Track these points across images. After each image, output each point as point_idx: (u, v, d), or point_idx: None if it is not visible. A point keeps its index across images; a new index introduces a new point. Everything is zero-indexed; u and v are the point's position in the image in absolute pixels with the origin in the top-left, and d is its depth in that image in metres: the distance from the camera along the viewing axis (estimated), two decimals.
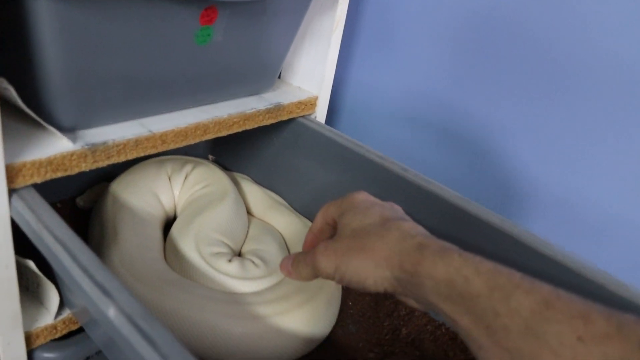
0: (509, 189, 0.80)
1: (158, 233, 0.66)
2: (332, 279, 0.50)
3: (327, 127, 0.76)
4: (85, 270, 0.42)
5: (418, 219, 0.64)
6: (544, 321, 0.35)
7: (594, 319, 0.34)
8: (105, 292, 0.40)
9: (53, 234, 0.45)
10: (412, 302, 0.51)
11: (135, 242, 0.61)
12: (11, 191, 0.49)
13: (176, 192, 0.72)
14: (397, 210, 0.53)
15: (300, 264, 0.53)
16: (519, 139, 0.77)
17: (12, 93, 0.47)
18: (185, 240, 0.62)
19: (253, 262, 0.63)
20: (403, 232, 0.47)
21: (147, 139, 0.58)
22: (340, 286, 0.66)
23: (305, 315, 0.58)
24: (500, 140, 0.79)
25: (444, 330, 0.67)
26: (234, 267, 0.61)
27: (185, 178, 0.73)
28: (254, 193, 0.79)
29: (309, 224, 0.75)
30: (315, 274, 0.51)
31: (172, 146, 0.60)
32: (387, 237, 0.47)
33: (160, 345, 0.36)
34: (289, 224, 0.75)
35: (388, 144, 0.92)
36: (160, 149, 0.59)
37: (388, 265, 0.45)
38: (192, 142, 0.62)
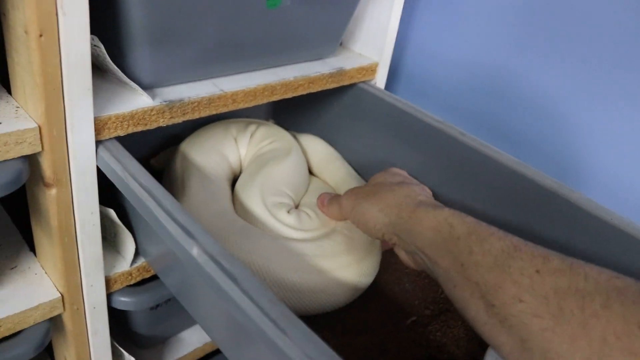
0: (568, 156, 0.80)
1: (225, 187, 0.70)
2: (349, 217, 0.60)
3: (387, 92, 0.78)
4: (169, 214, 0.45)
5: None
6: (510, 259, 0.41)
7: (551, 259, 0.40)
8: (189, 233, 0.43)
9: (138, 182, 0.48)
10: (403, 255, 0.56)
11: (202, 195, 0.65)
12: (97, 143, 0.52)
13: (242, 151, 0.75)
14: (424, 188, 0.62)
15: (333, 202, 0.64)
16: (582, 106, 0.77)
17: (102, 50, 0.50)
18: (251, 189, 0.66)
19: (307, 214, 0.66)
20: (412, 192, 0.56)
21: (219, 97, 0.60)
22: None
23: (362, 269, 0.62)
24: (562, 108, 0.79)
25: None
26: (291, 218, 0.64)
27: (251, 137, 0.76)
28: (314, 147, 0.82)
29: (363, 181, 0.78)
30: (340, 213, 0.62)
31: (241, 105, 0.63)
32: (397, 192, 0.56)
33: (240, 281, 0.39)
34: (344, 179, 0.78)
35: (446, 110, 0.93)
36: (231, 108, 0.62)
37: (388, 213, 0.54)
38: (260, 102, 0.65)
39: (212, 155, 0.71)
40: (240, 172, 0.76)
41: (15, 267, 0.61)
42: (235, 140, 0.75)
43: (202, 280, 0.42)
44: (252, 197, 0.65)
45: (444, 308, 0.66)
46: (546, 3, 0.77)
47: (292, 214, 0.65)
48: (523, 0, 0.79)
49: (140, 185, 0.48)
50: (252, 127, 0.77)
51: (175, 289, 0.57)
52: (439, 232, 0.47)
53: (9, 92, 0.52)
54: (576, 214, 0.55)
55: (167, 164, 0.74)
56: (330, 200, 0.65)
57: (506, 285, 0.40)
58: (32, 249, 0.63)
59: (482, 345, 0.61)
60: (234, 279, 0.40)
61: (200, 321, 0.54)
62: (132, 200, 0.49)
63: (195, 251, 0.42)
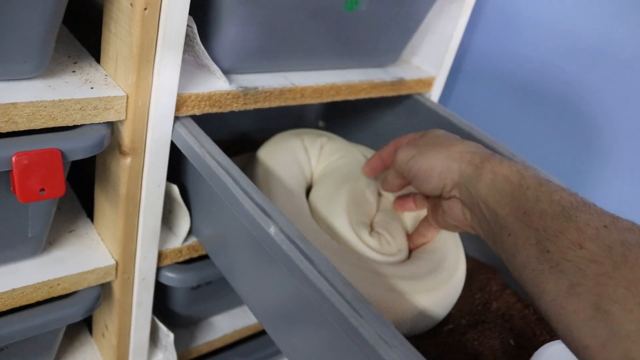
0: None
1: (304, 199, 0.70)
2: (402, 170, 0.57)
3: (442, 107, 0.79)
4: (247, 193, 0.47)
5: None
6: (578, 211, 0.41)
7: (621, 220, 0.40)
8: (266, 212, 0.45)
9: (215, 159, 0.50)
10: (456, 210, 0.54)
11: (289, 209, 0.65)
12: (175, 118, 0.54)
13: (313, 161, 0.76)
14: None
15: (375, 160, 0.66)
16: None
17: (194, 31, 0.52)
18: (337, 206, 0.65)
19: (386, 237, 0.65)
20: (479, 145, 0.54)
21: (290, 90, 0.62)
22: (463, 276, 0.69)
23: (441, 298, 0.61)
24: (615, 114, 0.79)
25: (531, 311, 0.69)
26: (373, 240, 0.63)
27: (321, 149, 0.77)
28: None
29: None
30: (395, 165, 0.60)
31: (308, 100, 0.65)
32: (466, 143, 0.54)
33: (317, 263, 0.41)
34: None
35: (495, 121, 0.95)
36: (299, 101, 0.64)
37: (459, 159, 0.52)
38: (325, 100, 0.67)
39: (290, 166, 0.71)
40: (310, 183, 0.76)
41: (74, 230, 0.63)
42: (306, 151, 0.76)
43: (276, 259, 0.43)
44: (338, 215, 0.64)
45: (480, 319, 0.67)
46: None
47: (373, 236, 0.64)
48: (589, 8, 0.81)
49: (218, 162, 0.50)
50: (322, 140, 0.77)
51: (226, 269, 0.59)
52: (509, 181, 0.46)
53: (98, 61, 0.54)
54: None
55: (245, 170, 0.74)
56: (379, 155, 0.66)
57: (569, 232, 0.39)
58: (89, 215, 0.65)
59: (519, 359, 0.62)
60: (310, 260, 0.41)
61: (248, 301, 0.56)
62: (207, 177, 0.50)
63: (272, 230, 0.43)
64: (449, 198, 0.54)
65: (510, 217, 0.45)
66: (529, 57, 0.89)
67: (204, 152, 0.51)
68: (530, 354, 0.66)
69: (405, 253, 0.65)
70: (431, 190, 0.55)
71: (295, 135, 0.76)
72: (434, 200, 0.59)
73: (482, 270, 0.74)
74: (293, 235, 0.43)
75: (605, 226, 0.39)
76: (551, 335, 0.66)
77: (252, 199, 0.46)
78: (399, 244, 0.65)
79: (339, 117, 0.94)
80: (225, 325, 0.83)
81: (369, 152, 0.84)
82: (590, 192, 0.83)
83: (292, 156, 0.72)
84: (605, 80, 0.80)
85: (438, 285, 0.61)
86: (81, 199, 0.67)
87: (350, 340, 0.38)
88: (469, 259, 0.73)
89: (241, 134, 0.88)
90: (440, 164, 0.53)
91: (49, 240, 0.59)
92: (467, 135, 0.73)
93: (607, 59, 0.79)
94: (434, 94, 0.83)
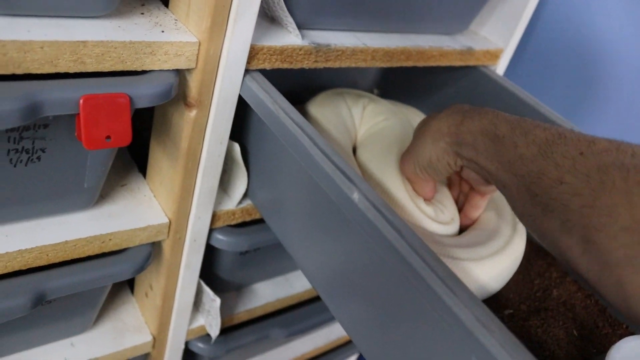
0: None
1: (354, 160, 0.67)
2: (417, 177, 0.57)
3: (509, 81, 0.75)
4: (326, 155, 0.43)
5: None
6: (553, 145, 0.40)
7: (598, 142, 0.39)
8: (349, 178, 0.41)
9: (290, 117, 0.47)
10: (473, 177, 0.55)
11: None
12: (245, 71, 0.51)
13: (357, 122, 0.73)
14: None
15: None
16: None
17: None
18: (392, 171, 0.62)
19: (439, 206, 0.63)
20: (455, 108, 0.52)
21: (362, 51, 0.58)
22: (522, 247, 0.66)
23: (495, 270, 0.59)
24: None
25: (593, 301, 0.66)
26: (430, 209, 0.61)
27: (363, 109, 0.73)
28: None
29: None
30: (408, 178, 0.59)
31: (378, 63, 0.61)
32: (439, 117, 0.52)
33: (405, 234, 0.38)
34: None
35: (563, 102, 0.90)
36: (369, 64, 0.60)
37: (439, 136, 0.51)
38: (395, 64, 0.63)
39: (337, 123, 0.69)
40: (355, 144, 0.73)
41: (125, 185, 0.60)
42: (350, 110, 0.73)
43: (357, 227, 0.40)
44: (394, 180, 0.61)
45: (541, 306, 0.64)
46: None
47: (429, 205, 0.62)
48: None
49: (294, 121, 0.46)
50: (364, 100, 0.74)
51: (283, 233, 0.56)
52: (485, 136, 0.46)
53: (166, 5, 0.51)
54: None
55: None
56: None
57: (549, 170, 0.39)
58: (140, 170, 0.62)
59: (583, 351, 0.59)
60: (398, 230, 0.38)
61: (305, 266, 0.53)
62: (281, 136, 0.47)
63: (355, 196, 0.40)
64: (461, 170, 0.53)
65: (499, 171, 0.44)
66: (604, 40, 0.84)
67: (277, 108, 0.47)
68: (594, 346, 0.63)
69: (457, 222, 0.63)
70: (446, 175, 0.54)
71: (338, 95, 0.73)
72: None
73: (540, 255, 0.71)
74: (378, 203, 0.40)
75: (581, 153, 0.38)
76: (613, 327, 0.63)
77: (332, 162, 0.43)
78: (452, 213, 0.63)
79: (396, 85, 0.90)
80: (268, 293, 0.80)
81: (414, 114, 0.81)
82: None
83: (338, 114, 0.70)
84: None
85: (493, 253, 0.59)
86: (131, 151, 0.64)
87: (442, 320, 0.35)
88: (528, 242, 0.69)
89: (291, 96, 0.84)
90: (429, 149, 0.53)
91: (102, 193, 0.56)
92: (532, 111, 0.70)
93: None
94: (500, 68, 0.78)
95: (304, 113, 0.68)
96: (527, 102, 0.71)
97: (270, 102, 0.48)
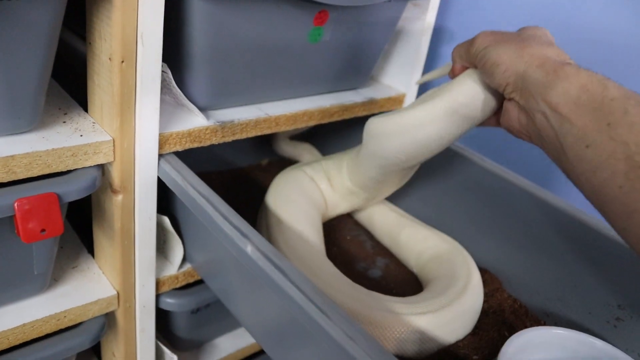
0: None
1: (321, 238, 0.71)
2: (475, 57, 0.54)
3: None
4: (225, 217, 0.52)
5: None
6: None
7: None
8: (243, 234, 0.50)
9: (197, 190, 0.55)
10: (513, 114, 0.53)
11: (306, 254, 0.65)
12: (159, 156, 0.60)
13: (323, 187, 0.78)
14: None
15: (463, 43, 0.58)
16: None
17: (169, 75, 0.58)
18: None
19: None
20: (562, 53, 0.50)
21: (265, 120, 0.68)
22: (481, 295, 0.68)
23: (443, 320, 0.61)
24: None
25: (518, 305, 0.72)
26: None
27: (324, 172, 0.79)
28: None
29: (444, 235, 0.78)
30: (468, 51, 0.56)
31: (283, 128, 0.70)
32: (546, 47, 0.50)
33: (289, 274, 0.46)
34: (436, 243, 0.77)
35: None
36: (274, 130, 0.69)
37: (528, 61, 0.48)
38: (299, 126, 0.72)
39: (301, 206, 0.72)
40: (326, 208, 0.78)
41: (76, 266, 0.68)
42: (313, 179, 0.78)
43: (254, 275, 0.48)
44: None
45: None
46: None
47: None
48: None
49: (199, 193, 0.55)
50: (323, 164, 0.79)
51: (220, 292, 0.64)
52: (587, 91, 0.43)
53: (86, 110, 0.60)
54: None
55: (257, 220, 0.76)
56: (461, 43, 0.59)
57: None
58: (90, 251, 0.70)
59: None
60: (283, 273, 0.46)
61: (244, 321, 0.60)
62: (190, 206, 0.56)
63: (249, 248, 0.48)
64: (510, 99, 0.52)
65: (589, 129, 0.42)
66: None
67: (186, 183, 0.56)
68: None
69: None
70: (494, 86, 0.53)
71: (296, 170, 0.78)
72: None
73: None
74: (268, 252, 0.48)
75: None
76: (538, 324, 0.69)
77: (230, 222, 0.51)
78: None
79: (326, 137, 0.99)
80: (229, 345, 0.87)
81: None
82: (576, 197, 0.88)
83: (300, 194, 0.73)
84: None
85: (438, 307, 0.62)
86: (81, 236, 0.72)
87: (321, 341, 0.43)
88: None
89: (229, 163, 0.94)
90: (508, 60, 0.50)
91: (53, 277, 0.64)
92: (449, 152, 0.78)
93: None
94: None
95: (264, 207, 0.73)
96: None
97: (180, 179, 0.57)
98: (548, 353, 0.58)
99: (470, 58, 0.56)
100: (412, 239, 0.78)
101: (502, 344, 0.54)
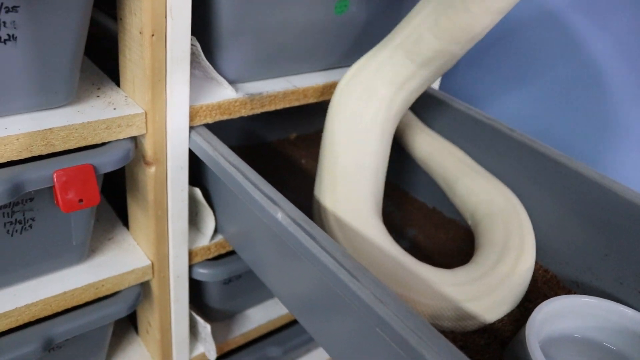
0: None
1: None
2: None
3: (442, 93, 0.84)
4: (256, 186, 0.53)
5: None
6: None
7: None
8: (274, 201, 0.51)
9: (227, 160, 0.57)
10: None
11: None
12: (190, 128, 0.61)
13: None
14: None
15: None
16: None
17: (198, 49, 0.59)
18: None
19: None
20: None
21: (293, 92, 0.68)
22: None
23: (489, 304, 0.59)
24: None
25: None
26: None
27: None
28: None
29: None
30: None
31: (311, 100, 0.71)
32: None
33: (319, 240, 0.47)
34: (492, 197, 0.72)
35: (490, 102, 0.99)
36: (302, 102, 0.70)
37: None
38: (327, 98, 0.73)
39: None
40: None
41: (112, 238, 0.70)
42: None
43: (285, 242, 0.49)
44: None
45: None
46: None
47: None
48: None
49: (230, 162, 0.56)
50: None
51: (252, 262, 0.65)
52: None
53: (118, 84, 0.61)
54: None
55: None
56: None
57: None
58: (125, 224, 0.72)
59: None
60: (313, 238, 0.47)
61: (277, 292, 0.61)
62: (221, 175, 0.57)
63: (279, 215, 0.49)
64: None
65: None
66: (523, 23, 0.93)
67: (217, 154, 0.57)
68: None
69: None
70: None
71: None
72: None
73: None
74: (298, 218, 0.49)
75: None
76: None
77: (261, 190, 0.52)
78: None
79: None
80: (260, 316, 0.89)
81: None
82: (607, 166, 0.86)
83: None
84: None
85: (485, 292, 0.59)
86: (116, 209, 0.75)
87: (350, 304, 0.44)
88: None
89: (257, 137, 0.95)
90: None
91: (91, 248, 0.66)
92: (466, 116, 0.78)
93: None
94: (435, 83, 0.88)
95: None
96: (468, 113, 0.80)
97: (211, 150, 0.58)
98: (577, 321, 0.58)
99: None
100: (468, 190, 0.72)
101: None
